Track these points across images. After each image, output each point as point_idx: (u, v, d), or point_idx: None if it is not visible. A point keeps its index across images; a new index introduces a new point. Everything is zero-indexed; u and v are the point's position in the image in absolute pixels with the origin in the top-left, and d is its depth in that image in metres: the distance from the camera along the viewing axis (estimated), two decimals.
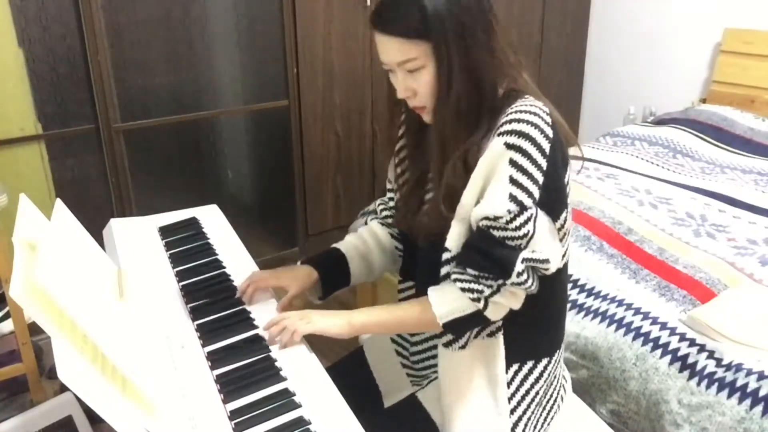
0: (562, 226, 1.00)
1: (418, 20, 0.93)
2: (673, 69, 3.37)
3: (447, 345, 1.07)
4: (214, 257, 1.31)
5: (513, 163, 0.93)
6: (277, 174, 2.81)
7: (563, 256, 1.03)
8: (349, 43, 2.76)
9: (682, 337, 1.42)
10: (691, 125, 2.84)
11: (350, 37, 2.76)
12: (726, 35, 3.08)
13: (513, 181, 0.93)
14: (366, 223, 1.32)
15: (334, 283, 1.23)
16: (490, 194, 0.95)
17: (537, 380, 1.11)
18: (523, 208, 0.93)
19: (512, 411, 1.09)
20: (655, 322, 1.47)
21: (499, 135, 0.94)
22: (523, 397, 1.10)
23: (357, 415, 0.92)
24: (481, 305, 0.98)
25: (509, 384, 1.08)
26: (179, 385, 0.95)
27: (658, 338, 1.43)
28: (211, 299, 1.17)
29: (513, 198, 0.93)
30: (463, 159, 0.98)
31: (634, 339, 1.45)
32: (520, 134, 0.92)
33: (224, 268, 1.28)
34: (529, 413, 1.11)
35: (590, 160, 2.46)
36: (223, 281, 1.23)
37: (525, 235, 0.94)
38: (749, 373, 1.31)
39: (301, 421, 0.89)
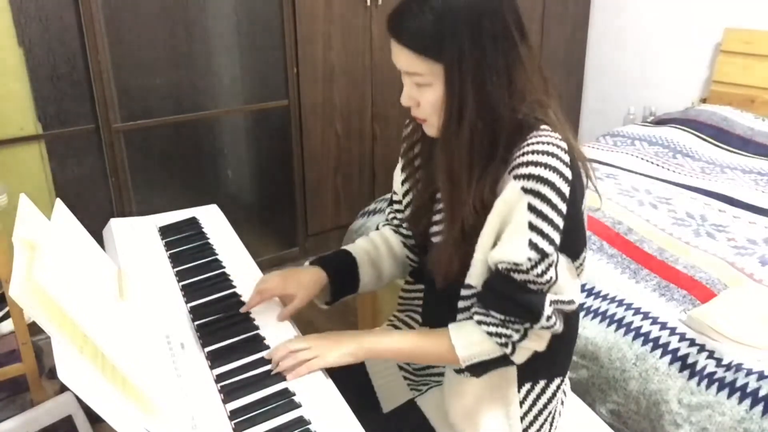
0: (581, 264, 0.97)
1: (432, 38, 0.86)
2: (673, 69, 3.37)
3: (459, 372, 1.02)
4: (214, 257, 1.31)
5: (532, 208, 0.87)
6: (277, 174, 2.81)
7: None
8: (349, 43, 2.76)
9: (682, 337, 1.42)
10: (691, 125, 2.84)
11: (350, 37, 2.76)
12: (726, 35, 3.08)
13: (533, 227, 0.88)
14: (378, 228, 1.26)
15: (343, 289, 1.18)
16: (509, 239, 0.90)
17: (550, 400, 1.08)
18: (544, 255, 0.88)
19: (525, 430, 1.07)
20: (655, 322, 1.47)
21: (515, 178, 0.88)
22: (536, 417, 1.07)
23: None
24: (509, 350, 0.95)
25: (522, 402, 1.05)
26: (179, 385, 0.95)
27: (658, 338, 1.43)
28: (211, 299, 1.17)
29: (533, 246, 0.88)
30: (480, 198, 0.92)
31: (634, 339, 1.45)
32: (538, 179, 0.86)
33: (224, 268, 1.28)
34: (540, 429, 1.09)
35: (590, 160, 2.45)
36: (223, 281, 1.23)
37: (548, 281, 0.90)
38: (749, 373, 1.31)
39: (301, 421, 0.89)
